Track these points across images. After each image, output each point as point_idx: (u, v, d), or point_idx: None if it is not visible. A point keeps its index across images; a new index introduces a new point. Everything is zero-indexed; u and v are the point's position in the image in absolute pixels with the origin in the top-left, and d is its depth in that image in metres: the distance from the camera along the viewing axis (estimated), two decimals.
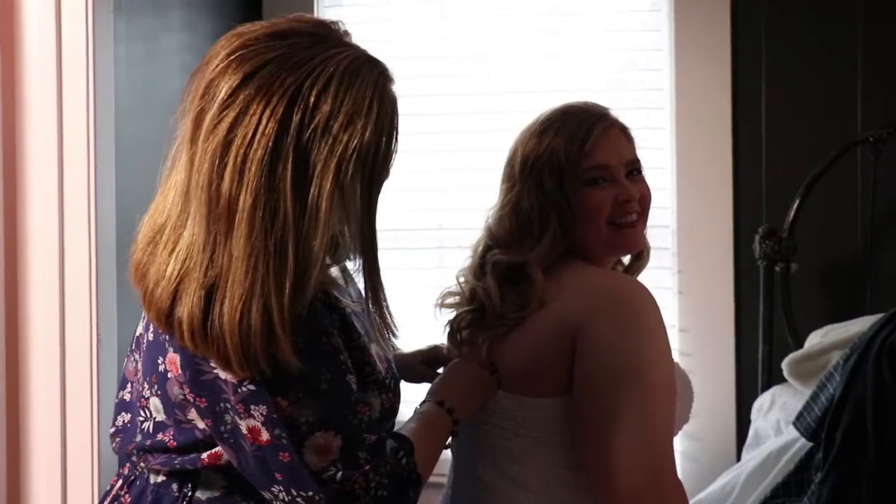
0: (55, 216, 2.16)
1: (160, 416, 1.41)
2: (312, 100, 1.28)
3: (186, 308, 1.28)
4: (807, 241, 2.94)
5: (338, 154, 1.29)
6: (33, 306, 2.16)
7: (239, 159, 1.27)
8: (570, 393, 1.60)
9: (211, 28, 2.88)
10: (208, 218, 1.28)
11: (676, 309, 3.03)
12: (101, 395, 2.17)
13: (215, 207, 1.28)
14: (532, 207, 1.68)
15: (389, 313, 1.42)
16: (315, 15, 3.17)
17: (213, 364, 1.30)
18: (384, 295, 1.41)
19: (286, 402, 1.30)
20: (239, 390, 1.30)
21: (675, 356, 2.95)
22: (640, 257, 1.83)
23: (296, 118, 1.28)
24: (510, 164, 1.75)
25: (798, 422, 2.24)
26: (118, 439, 1.50)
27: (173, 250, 1.34)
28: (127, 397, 1.50)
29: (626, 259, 1.82)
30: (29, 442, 2.16)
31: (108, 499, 1.50)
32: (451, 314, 1.76)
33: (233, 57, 1.31)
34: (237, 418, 1.32)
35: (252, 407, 1.30)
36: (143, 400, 1.43)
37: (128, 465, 1.50)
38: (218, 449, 1.38)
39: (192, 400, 1.35)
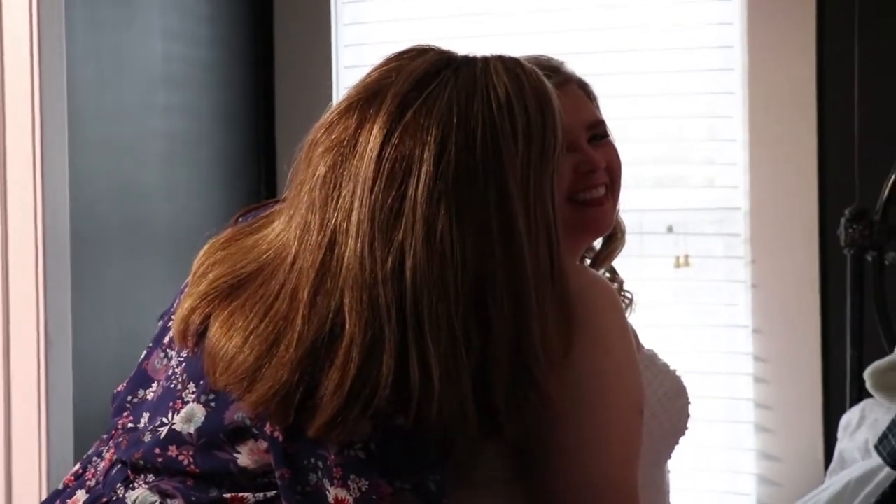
0: None
1: (184, 427, 1.29)
2: (507, 121, 1.27)
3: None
4: None
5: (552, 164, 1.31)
6: None
7: (489, 228, 1.25)
8: None
9: None
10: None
11: (749, 305, 2.82)
12: (51, 400, 2.08)
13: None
14: None
15: None
16: None
17: None
18: None
19: (390, 488, 1.21)
20: (345, 452, 1.19)
21: (748, 361, 2.76)
22: (613, 240, 1.64)
23: (506, 146, 1.26)
24: None
25: (881, 445, 2.02)
26: (129, 437, 1.37)
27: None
28: (150, 397, 1.39)
29: (598, 243, 1.64)
30: None
31: None
32: None
33: (406, 119, 1.24)
34: (326, 482, 1.21)
35: (352, 476, 1.20)
36: (178, 402, 1.32)
37: (101, 472, 1.38)
38: (246, 495, 1.27)
39: (275, 437, 1.23)
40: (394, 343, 1.18)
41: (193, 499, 1.28)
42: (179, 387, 1.34)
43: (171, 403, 1.33)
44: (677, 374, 1.58)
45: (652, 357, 1.57)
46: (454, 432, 1.21)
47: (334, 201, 1.24)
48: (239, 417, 1.26)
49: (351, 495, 1.21)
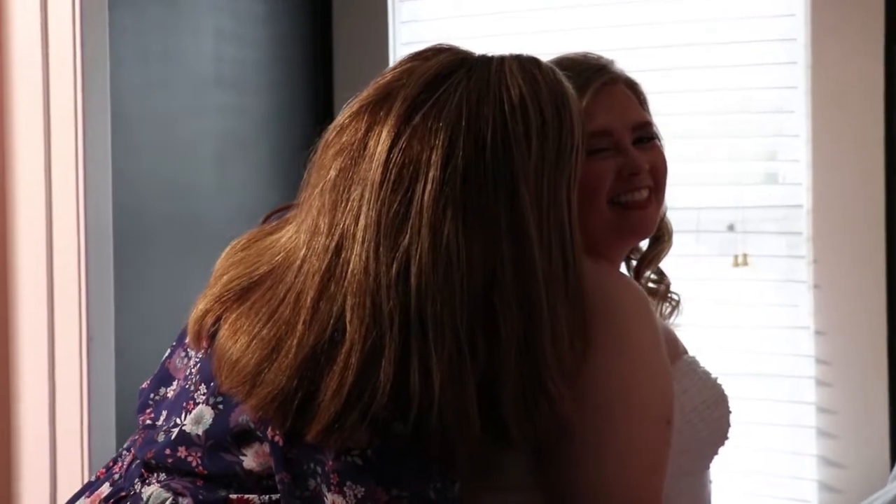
0: (42, 209, 2.15)
1: (193, 429, 1.33)
2: (520, 124, 1.25)
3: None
4: None
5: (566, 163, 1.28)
6: (21, 303, 2.16)
7: (499, 233, 1.23)
8: None
9: None
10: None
11: (811, 307, 2.73)
12: (92, 395, 2.14)
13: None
14: None
15: None
16: None
17: None
18: None
19: (386, 495, 1.21)
20: (342, 458, 1.20)
21: (810, 364, 2.68)
22: (660, 242, 1.62)
23: (517, 149, 1.24)
24: None
25: None
26: (144, 435, 1.42)
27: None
28: (170, 395, 1.43)
29: (644, 244, 1.62)
30: (19, 442, 2.17)
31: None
32: None
33: (415, 121, 1.24)
34: (324, 488, 1.22)
35: (348, 483, 1.20)
36: (190, 403, 1.35)
37: (124, 466, 1.42)
38: (252, 496, 1.29)
39: (276, 442, 1.24)
40: (394, 350, 1.17)
41: (201, 498, 1.31)
42: (193, 387, 1.36)
43: (184, 404, 1.36)
44: (718, 381, 1.54)
45: (692, 364, 1.53)
46: (456, 441, 1.20)
47: (343, 205, 1.24)
48: (243, 420, 1.27)
49: (347, 502, 1.20)
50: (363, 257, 1.20)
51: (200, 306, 1.36)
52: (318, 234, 1.25)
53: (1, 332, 2.15)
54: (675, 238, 2.75)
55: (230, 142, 2.67)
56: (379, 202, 1.21)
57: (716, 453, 1.54)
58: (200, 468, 1.32)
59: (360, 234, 1.21)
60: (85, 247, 2.12)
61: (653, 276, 1.68)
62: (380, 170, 1.22)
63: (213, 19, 2.62)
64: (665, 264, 2.68)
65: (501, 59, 1.30)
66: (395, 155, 1.22)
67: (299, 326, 1.21)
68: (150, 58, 2.40)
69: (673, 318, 1.69)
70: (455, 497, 1.26)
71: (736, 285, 2.75)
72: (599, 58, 1.52)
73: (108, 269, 2.18)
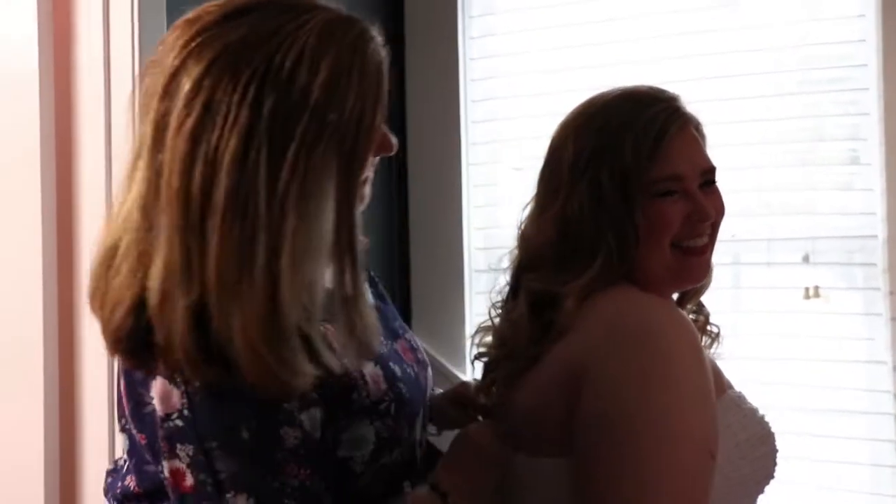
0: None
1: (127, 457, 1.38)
2: (285, 75, 1.22)
3: (173, 332, 1.21)
4: None
5: (316, 133, 1.23)
6: (84, 324, 2.20)
7: (210, 157, 1.20)
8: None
9: None
10: (184, 231, 1.21)
11: (889, 341, 2.60)
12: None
13: (189, 217, 1.21)
14: (583, 219, 1.47)
15: (362, 327, 1.29)
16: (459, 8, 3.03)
17: (152, 394, 1.24)
18: (357, 305, 1.28)
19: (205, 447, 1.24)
20: (165, 425, 1.23)
21: (889, 400, 2.56)
22: None
23: (269, 99, 1.20)
24: (555, 161, 1.54)
25: None
26: (109, 479, 1.45)
27: (136, 273, 1.26)
28: None
29: None
30: (83, 446, 2.20)
31: None
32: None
33: (192, 46, 1.24)
34: (162, 459, 1.25)
35: (178, 445, 1.23)
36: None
37: None
38: None
39: (135, 436, 1.31)
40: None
41: None
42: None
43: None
44: (765, 419, 1.53)
45: (737, 400, 1.52)
46: None
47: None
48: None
49: (182, 462, 1.24)
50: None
51: None
52: None
53: (65, 348, 2.19)
54: (748, 270, 2.68)
55: None
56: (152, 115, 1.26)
57: (760, 491, 1.52)
58: (137, 488, 1.35)
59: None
60: None
61: (692, 308, 1.68)
62: (161, 84, 1.25)
63: None
64: (738, 296, 2.63)
65: (316, 10, 1.27)
66: (167, 75, 1.24)
67: None
68: None
69: (713, 349, 1.69)
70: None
71: (809, 318, 2.65)
72: (666, 92, 1.53)
73: None
